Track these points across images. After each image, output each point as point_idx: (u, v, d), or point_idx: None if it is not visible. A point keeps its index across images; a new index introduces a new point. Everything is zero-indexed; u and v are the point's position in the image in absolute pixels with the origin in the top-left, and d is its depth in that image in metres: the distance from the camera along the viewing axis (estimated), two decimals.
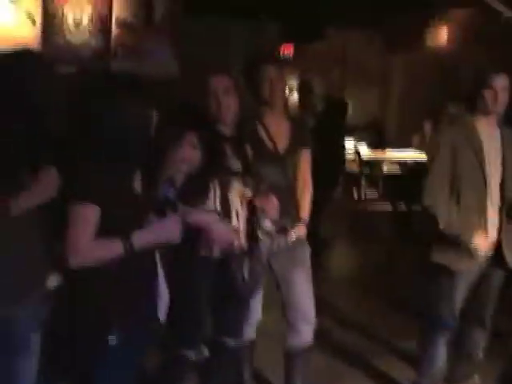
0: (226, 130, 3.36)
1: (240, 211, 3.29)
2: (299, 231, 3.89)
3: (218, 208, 3.22)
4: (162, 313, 3.03)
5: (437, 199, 3.85)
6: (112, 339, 2.67)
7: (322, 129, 7.98)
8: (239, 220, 3.29)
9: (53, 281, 2.76)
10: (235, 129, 3.40)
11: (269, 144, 3.83)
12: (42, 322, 2.75)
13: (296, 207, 3.92)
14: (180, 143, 3.13)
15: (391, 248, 7.80)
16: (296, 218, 3.89)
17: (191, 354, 3.28)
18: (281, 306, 3.97)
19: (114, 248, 2.67)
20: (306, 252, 3.99)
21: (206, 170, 3.18)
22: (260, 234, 3.36)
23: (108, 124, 2.69)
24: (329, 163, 7.67)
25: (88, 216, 2.65)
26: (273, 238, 3.57)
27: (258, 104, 3.87)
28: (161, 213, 2.79)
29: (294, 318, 3.95)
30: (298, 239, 3.89)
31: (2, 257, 2.64)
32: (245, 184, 3.31)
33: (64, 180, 2.69)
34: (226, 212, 3.25)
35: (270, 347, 4.26)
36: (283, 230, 3.80)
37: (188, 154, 3.14)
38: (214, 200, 3.21)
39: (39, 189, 2.62)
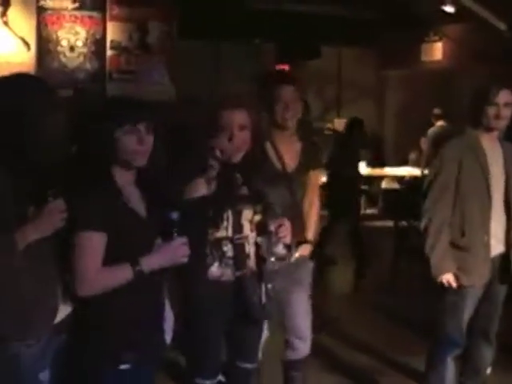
0: (235, 157, 3.25)
1: (250, 236, 3.27)
2: (303, 251, 3.94)
3: (231, 235, 3.19)
4: (168, 336, 3.00)
5: (437, 221, 3.85)
6: (125, 367, 2.66)
7: (344, 150, 7.95)
8: (249, 245, 3.27)
9: (62, 313, 2.71)
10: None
11: (277, 163, 3.83)
12: (51, 360, 2.70)
13: (302, 228, 3.94)
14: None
15: (393, 264, 7.76)
16: (301, 238, 3.92)
17: (208, 382, 3.23)
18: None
19: (123, 274, 2.64)
20: (308, 271, 4.04)
21: (219, 198, 3.14)
22: (271, 258, 3.33)
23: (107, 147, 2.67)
24: (348, 183, 7.69)
25: (94, 244, 2.62)
26: (286, 261, 3.56)
27: (270, 124, 3.84)
28: (167, 235, 2.74)
29: (291, 337, 4.03)
30: (301, 258, 3.90)
31: (5, 292, 2.55)
32: (254, 210, 3.27)
33: (68, 209, 2.62)
34: (238, 238, 3.22)
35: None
36: (287, 250, 3.83)
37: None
38: (226, 227, 3.17)
39: (44, 221, 2.54)
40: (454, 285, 3.84)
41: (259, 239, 3.29)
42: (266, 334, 3.99)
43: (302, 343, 4.02)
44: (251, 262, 3.27)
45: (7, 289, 2.51)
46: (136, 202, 2.77)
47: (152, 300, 2.80)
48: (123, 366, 2.66)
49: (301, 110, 3.93)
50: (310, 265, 4.06)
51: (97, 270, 2.62)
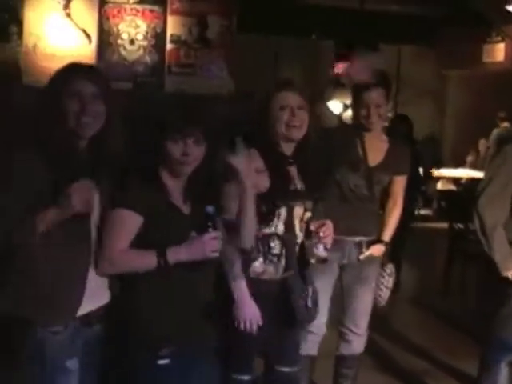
0: (288, 148, 3.21)
1: (299, 236, 3.23)
2: (375, 251, 3.92)
3: (281, 232, 3.15)
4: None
5: (494, 208, 3.79)
6: (163, 362, 2.68)
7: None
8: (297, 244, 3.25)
9: (95, 303, 2.73)
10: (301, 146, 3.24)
11: (360, 154, 3.83)
12: (82, 349, 2.70)
13: (376, 225, 3.96)
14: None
15: (446, 266, 7.66)
16: (374, 236, 3.93)
17: (245, 377, 3.22)
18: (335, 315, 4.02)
19: (147, 260, 2.65)
20: (376, 270, 3.99)
21: (273, 194, 3.09)
22: (311, 260, 3.29)
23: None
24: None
25: (127, 223, 2.65)
26: (326, 264, 3.49)
27: (357, 124, 3.87)
28: (203, 229, 2.71)
29: (346, 329, 4.00)
30: (371, 257, 3.89)
31: (28, 275, 2.57)
32: (305, 207, 3.22)
33: (112, 190, 2.67)
34: (289, 237, 3.18)
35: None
36: (358, 246, 3.83)
37: (255, 180, 3.03)
38: (277, 225, 3.13)
39: (68, 203, 2.48)
40: None
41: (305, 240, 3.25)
42: (323, 330, 3.98)
43: (357, 338, 3.99)
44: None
45: (31, 272, 2.54)
46: (179, 197, 2.78)
47: (191, 295, 2.78)
48: (161, 361, 2.67)
49: (388, 110, 3.92)
50: (377, 267, 4.00)
51: (122, 249, 2.65)
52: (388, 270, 4.04)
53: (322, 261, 3.23)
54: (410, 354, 5.33)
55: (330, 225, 3.18)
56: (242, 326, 3.05)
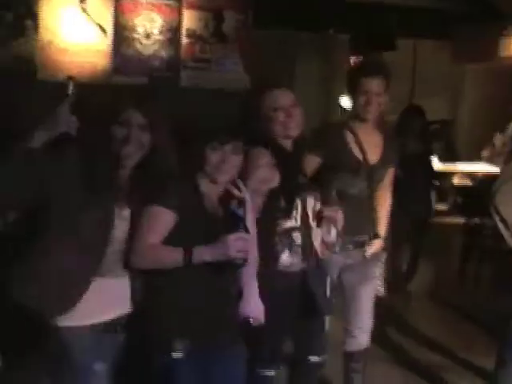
0: (287, 144, 3.24)
1: (313, 226, 3.25)
2: (376, 246, 3.90)
3: (299, 225, 3.17)
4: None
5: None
6: (177, 355, 2.70)
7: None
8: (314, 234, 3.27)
9: (118, 311, 2.76)
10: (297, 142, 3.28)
11: (358, 154, 3.75)
12: (111, 356, 2.77)
13: (375, 222, 3.94)
14: (258, 164, 3.08)
15: (461, 261, 7.65)
16: (374, 233, 3.92)
17: (271, 373, 3.25)
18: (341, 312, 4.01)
19: (175, 256, 2.69)
20: (379, 266, 3.99)
21: (287, 187, 3.13)
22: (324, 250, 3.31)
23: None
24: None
25: (162, 219, 2.70)
26: (335, 251, 3.50)
27: (353, 114, 3.80)
28: (233, 230, 2.72)
29: (351, 326, 3.99)
30: (373, 254, 3.88)
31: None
32: (315, 198, 3.26)
33: (152, 187, 2.73)
34: (306, 228, 3.21)
35: None
36: (361, 245, 3.81)
37: (268, 175, 3.11)
38: (295, 217, 3.16)
39: (54, 121, 2.63)
40: None
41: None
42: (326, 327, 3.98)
43: (363, 333, 3.99)
44: (318, 252, 3.27)
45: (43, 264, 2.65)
46: (214, 202, 2.84)
47: (215, 292, 2.81)
48: (175, 355, 2.70)
49: (387, 101, 3.80)
50: (382, 259, 4.04)
51: (154, 243, 2.69)
52: (381, 259, 4.06)
53: (333, 246, 3.31)
54: (426, 348, 5.35)
55: (339, 211, 3.23)
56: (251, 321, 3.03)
